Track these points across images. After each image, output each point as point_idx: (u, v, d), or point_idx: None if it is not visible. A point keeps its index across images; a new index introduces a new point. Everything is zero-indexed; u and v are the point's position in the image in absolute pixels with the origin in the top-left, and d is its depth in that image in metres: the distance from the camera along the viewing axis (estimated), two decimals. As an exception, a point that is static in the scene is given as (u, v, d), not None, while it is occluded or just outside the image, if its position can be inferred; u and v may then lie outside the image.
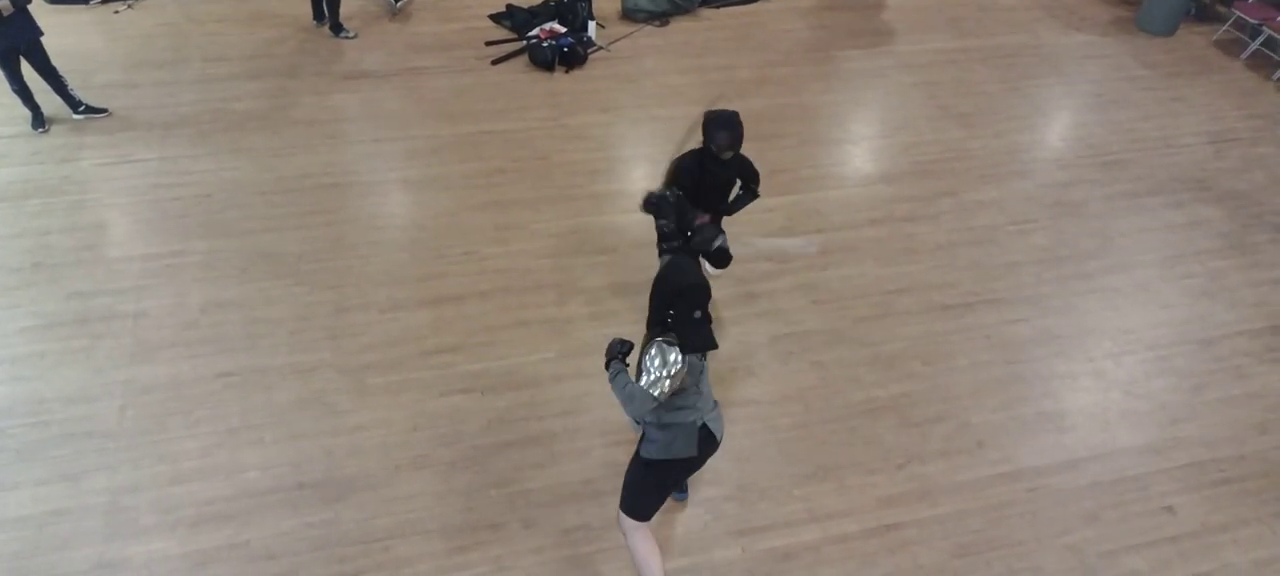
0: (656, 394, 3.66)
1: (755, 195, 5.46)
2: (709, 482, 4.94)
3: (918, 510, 4.87)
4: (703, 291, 3.80)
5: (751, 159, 5.28)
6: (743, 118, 5.01)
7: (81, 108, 7.54)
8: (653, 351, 3.73)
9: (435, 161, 7.33)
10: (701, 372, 3.88)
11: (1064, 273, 6.52)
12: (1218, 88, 9.04)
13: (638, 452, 4.03)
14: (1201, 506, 4.98)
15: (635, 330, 5.73)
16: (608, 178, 7.26)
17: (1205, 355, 5.93)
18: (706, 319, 3.81)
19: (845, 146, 7.87)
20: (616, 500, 4.21)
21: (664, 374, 3.67)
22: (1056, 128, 8.32)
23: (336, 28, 9.04)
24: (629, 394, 3.70)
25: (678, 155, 5.17)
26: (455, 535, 4.62)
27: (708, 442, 3.96)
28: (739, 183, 5.39)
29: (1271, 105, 8.76)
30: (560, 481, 4.90)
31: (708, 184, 5.21)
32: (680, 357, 3.71)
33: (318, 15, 9.19)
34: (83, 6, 9.38)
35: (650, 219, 4.30)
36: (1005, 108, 8.48)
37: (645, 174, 7.32)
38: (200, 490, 4.76)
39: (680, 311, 3.76)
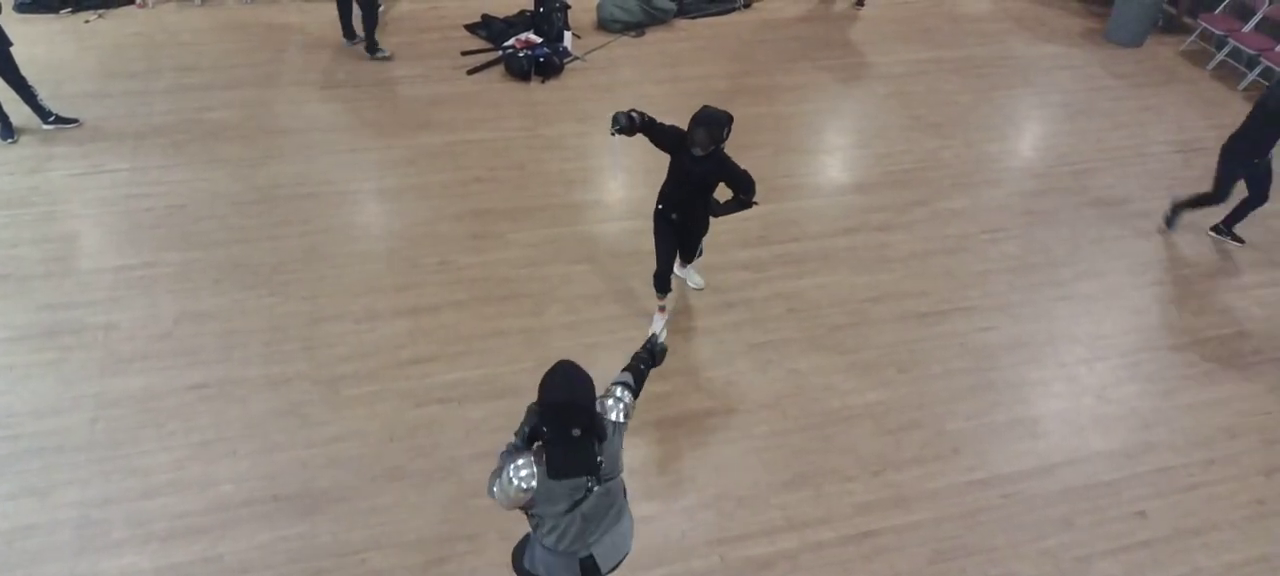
0: (498, 494, 3.22)
1: (747, 204, 5.39)
2: (687, 492, 4.94)
3: (894, 517, 4.90)
4: (574, 409, 3.06)
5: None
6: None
7: (52, 117, 7.45)
8: (520, 460, 3.16)
9: (411, 171, 7.30)
10: (590, 499, 3.25)
11: (1036, 280, 6.59)
12: (1185, 97, 9.19)
13: (525, 542, 3.69)
14: (1173, 511, 5.04)
15: (611, 339, 5.76)
16: (583, 187, 7.26)
17: (1175, 360, 6.01)
18: (586, 438, 3.10)
19: (819, 156, 7.93)
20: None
21: (513, 483, 3.14)
22: (1027, 137, 8.43)
23: (373, 48, 8.90)
24: (496, 478, 3.24)
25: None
26: (432, 547, 4.59)
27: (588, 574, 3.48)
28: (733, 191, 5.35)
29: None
30: (538, 491, 4.88)
31: (682, 176, 5.33)
32: (532, 477, 3.13)
33: (348, 34, 9.05)
34: (52, 16, 9.28)
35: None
36: (977, 118, 8.58)
37: (621, 183, 7.33)
38: (173, 504, 4.70)
39: (550, 427, 3.09)
